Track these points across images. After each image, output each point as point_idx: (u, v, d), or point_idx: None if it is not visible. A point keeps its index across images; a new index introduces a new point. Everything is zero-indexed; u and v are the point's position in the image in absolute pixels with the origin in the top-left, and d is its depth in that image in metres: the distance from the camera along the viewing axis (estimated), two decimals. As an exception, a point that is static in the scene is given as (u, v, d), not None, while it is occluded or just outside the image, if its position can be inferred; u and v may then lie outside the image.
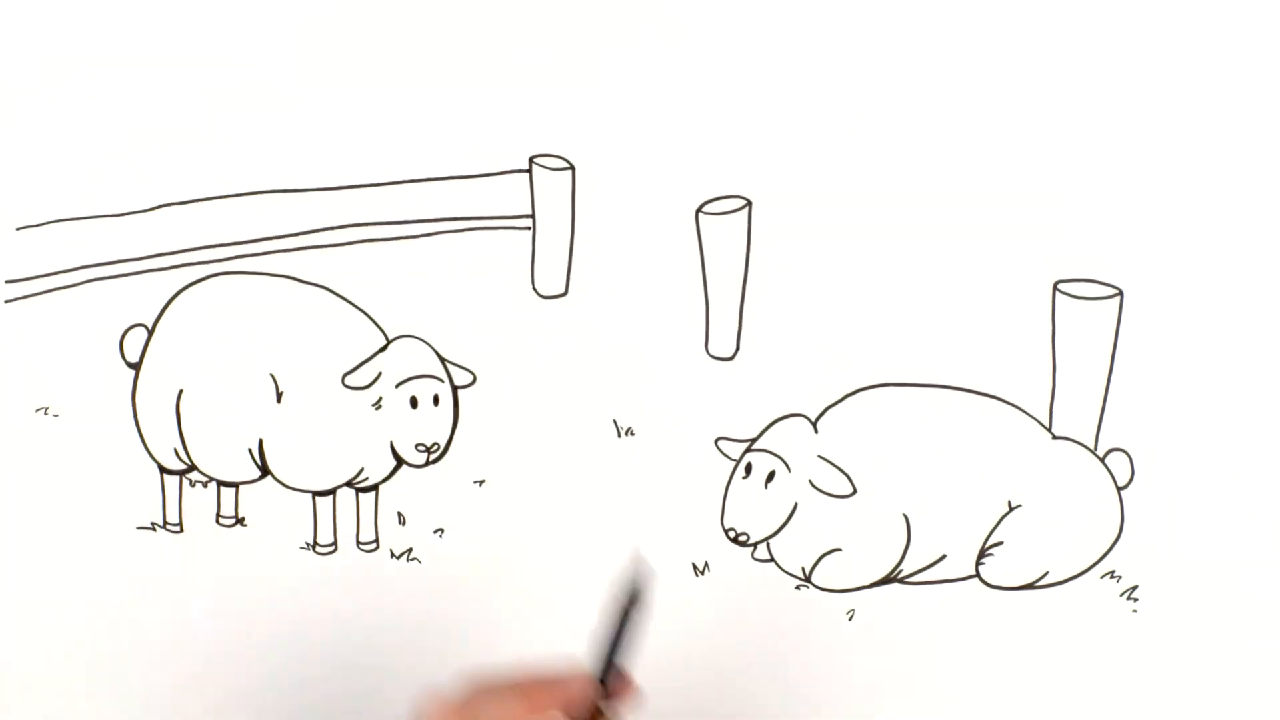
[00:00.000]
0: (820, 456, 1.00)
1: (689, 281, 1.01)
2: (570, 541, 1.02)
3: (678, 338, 1.01)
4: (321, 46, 1.00)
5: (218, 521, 1.03)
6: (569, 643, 1.02)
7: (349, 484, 1.03)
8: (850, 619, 1.01)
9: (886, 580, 1.01)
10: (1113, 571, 1.00)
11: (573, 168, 1.01)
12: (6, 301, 1.02)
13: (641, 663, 1.02)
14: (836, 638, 1.01)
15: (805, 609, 1.01)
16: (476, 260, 1.01)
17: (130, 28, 1.00)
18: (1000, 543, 1.00)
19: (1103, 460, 1.00)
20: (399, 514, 1.03)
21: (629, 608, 0.87)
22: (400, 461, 1.02)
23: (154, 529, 1.03)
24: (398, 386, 1.02)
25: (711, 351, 1.01)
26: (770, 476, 1.01)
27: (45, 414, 1.02)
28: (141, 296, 1.02)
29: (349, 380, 1.01)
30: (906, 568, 1.01)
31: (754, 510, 1.01)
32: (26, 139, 1.01)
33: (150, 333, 1.02)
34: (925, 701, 1.01)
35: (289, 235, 1.02)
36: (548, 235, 1.01)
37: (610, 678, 0.87)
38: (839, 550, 1.01)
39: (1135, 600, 1.00)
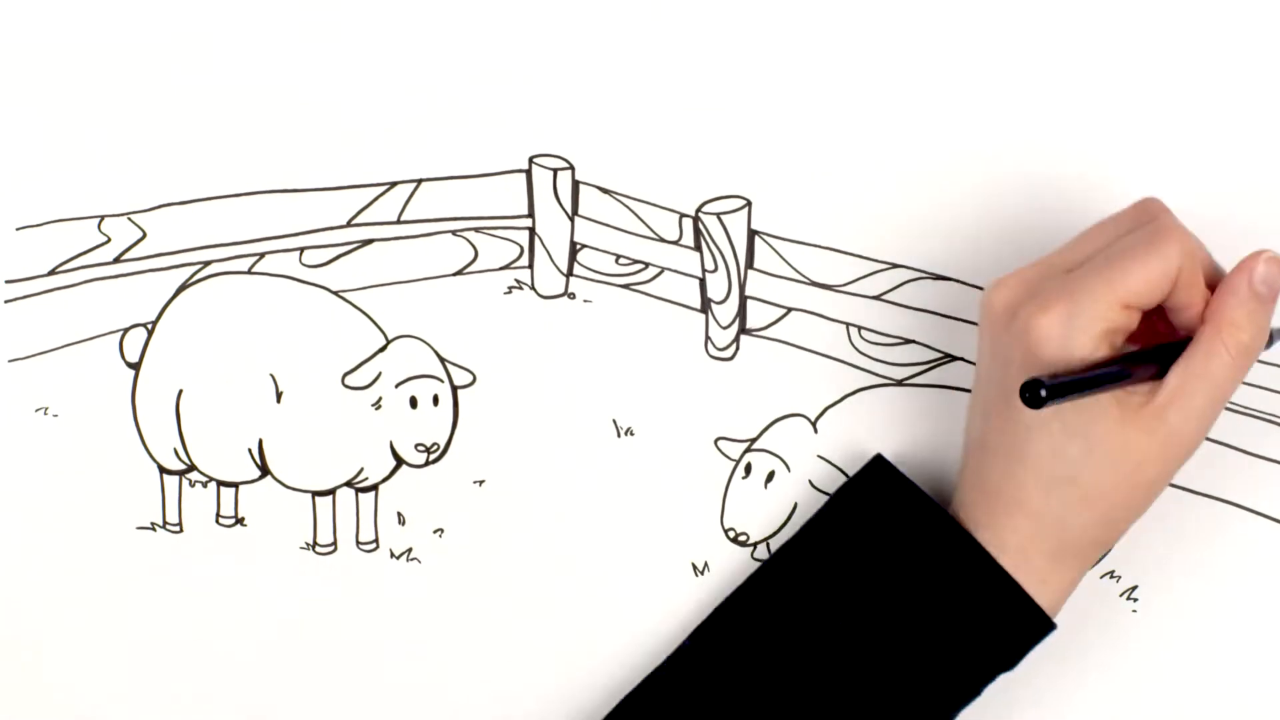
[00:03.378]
0: (820, 456, 1.00)
1: (689, 281, 1.01)
2: (570, 541, 1.02)
3: (678, 338, 1.01)
4: (321, 46, 1.00)
5: (217, 522, 1.03)
6: (570, 644, 1.02)
7: (349, 484, 1.03)
8: (850, 619, 1.01)
9: (886, 580, 1.01)
10: (1112, 571, 1.00)
11: (573, 168, 1.01)
12: (6, 301, 1.02)
13: (641, 664, 1.02)
14: (836, 638, 1.01)
15: (805, 609, 1.01)
16: (476, 260, 1.01)
17: (130, 27, 1.00)
18: (1000, 543, 1.00)
19: (1103, 460, 1.00)
20: (399, 514, 1.03)
21: None
22: (400, 461, 1.02)
23: (154, 529, 1.03)
24: (397, 386, 1.02)
25: (711, 351, 1.01)
26: (770, 476, 1.01)
27: (45, 414, 1.02)
28: (141, 296, 1.02)
29: (349, 380, 1.01)
30: (906, 568, 1.01)
31: (754, 510, 1.01)
32: (26, 139, 1.01)
33: (150, 333, 1.02)
34: (925, 702, 1.01)
35: (289, 235, 1.02)
36: (548, 235, 1.01)
37: None
38: (839, 550, 1.01)
39: (1135, 600, 1.00)
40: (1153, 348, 0.89)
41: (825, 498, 1.00)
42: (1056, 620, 0.91)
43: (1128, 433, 0.87)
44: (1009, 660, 0.92)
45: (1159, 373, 0.88)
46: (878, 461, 0.97)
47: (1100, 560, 0.98)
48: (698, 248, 1.01)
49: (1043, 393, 0.82)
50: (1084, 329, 0.86)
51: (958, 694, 0.92)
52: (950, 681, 0.92)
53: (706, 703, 0.94)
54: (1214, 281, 0.89)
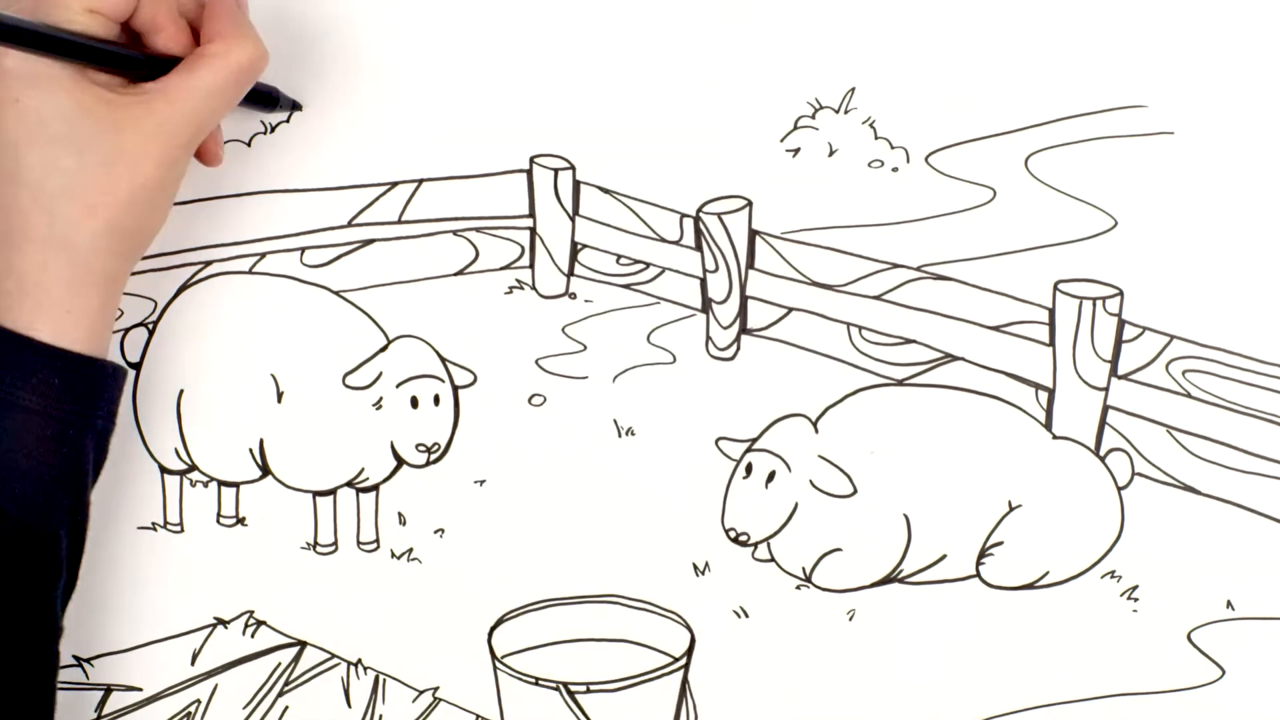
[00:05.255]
0: (820, 456, 1.00)
1: (689, 281, 1.01)
2: (571, 541, 1.02)
3: (678, 338, 1.01)
4: (321, 46, 1.00)
5: (218, 521, 1.03)
6: (570, 643, 1.02)
7: (349, 484, 1.03)
8: (850, 619, 1.01)
9: (887, 580, 1.01)
10: (1113, 571, 1.00)
11: (572, 168, 1.01)
12: (7, 301, 1.02)
13: (642, 663, 1.02)
14: (836, 638, 1.01)
15: (805, 609, 1.01)
16: (477, 260, 1.01)
17: (131, 28, 1.00)
18: (1000, 543, 1.00)
19: (1103, 460, 1.00)
20: (399, 514, 1.03)
21: None
22: (400, 461, 1.02)
23: (154, 529, 1.03)
24: (398, 386, 1.02)
25: (712, 351, 1.01)
26: (770, 476, 1.01)
27: (45, 414, 1.02)
28: (141, 296, 1.02)
29: (349, 380, 1.01)
30: (907, 568, 1.01)
31: (754, 510, 1.01)
32: (27, 139, 1.01)
33: (151, 332, 1.02)
34: (925, 701, 1.01)
35: (290, 235, 1.02)
36: (548, 235, 1.01)
37: None
38: (839, 550, 1.01)
39: (1135, 600, 1.00)
40: (136, 52, 0.90)
41: (826, 498, 1.00)
42: (98, 354, 0.89)
43: (123, 132, 0.87)
44: (82, 415, 0.89)
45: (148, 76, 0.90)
46: None
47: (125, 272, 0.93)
48: (698, 248, 1.01)
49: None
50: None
51: (70, 478, 0.90)
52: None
53: None
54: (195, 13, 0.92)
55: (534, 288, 1.02)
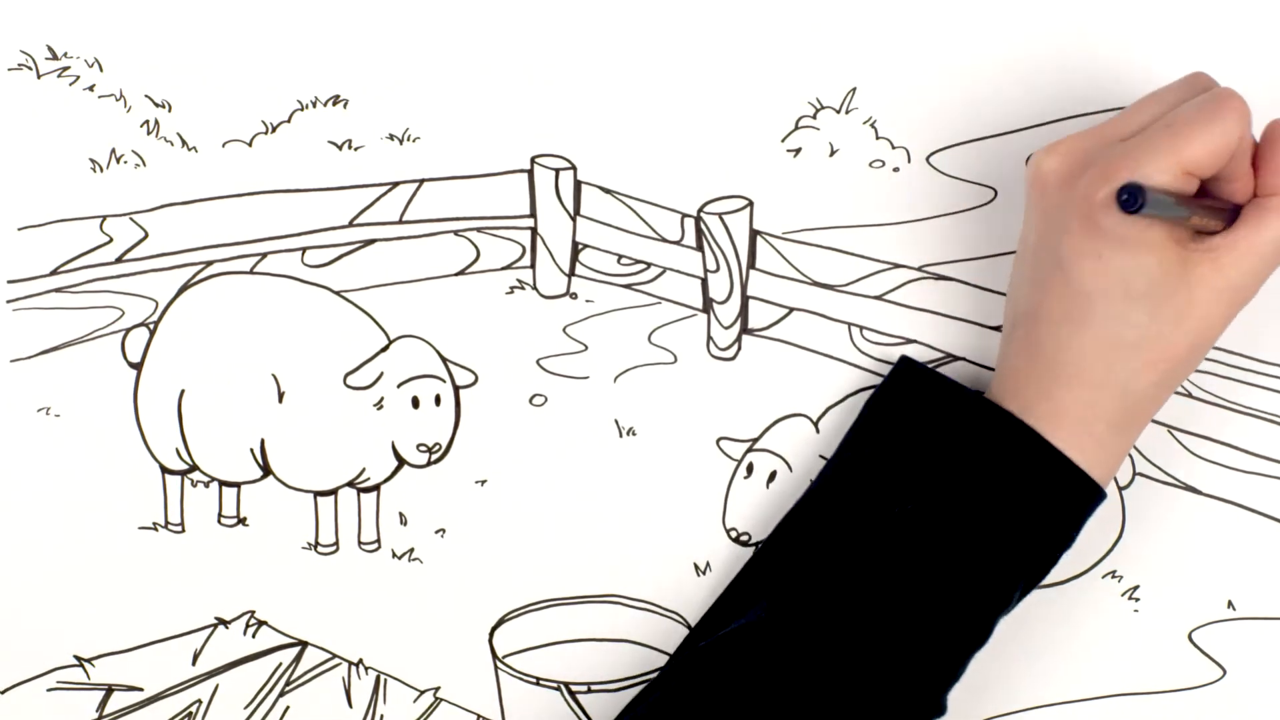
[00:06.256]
0: (822, 456, 1.00)
1: (691, 281, 1.01)
2: (572, 542, 1.02)
3: (679, 338, 1.01)
4: (321, 46, 1.00)
5: (219, 521, 1.03)
6: (572, 644, 1.02)
7: (350, 484, 1.03)
8: (851, 619, 1.01)
9: (888, 580, 1.01)
10: (1113, 571, 1.00)
11: (573, 167, 1.01)
12: (8, 301, 1.02)
13: (644, 663, 1.02)
14: (837, 637, 1.01)
15: (806, 609, 1.01)
16: (478, 260, 1.01)
17: (129, 27, 1.00)
18: (1001, 542, 1.00)
19: (1103, 460, 1.00)
20: (400, 514, 1.03)
21: None
22: (402, 462, 1.02)
23: (155, 529, 1.03)
24: (399, 386, 1.02)
25: (713, 351, 1.01)
26: (772, 476, 1.01)
27: (46, 414, 1.02)
28: (143, 296, 1.02)
29: (350, 380, 1.02)
30: (908, 567, 1.01)
31: (756, 510, 1.01)
32: (26, 139, 1.01)
33: (152, 333, 1.02)
34: (926, 701, 1.01)
35: (291, 235, 1.02)
36: (548, 235, 1.01)
37: None
38: (840, 550, 1.01)
39: (1136, 600, 1.00)
40: (1217, 202, 0.88)
41: (827, 497, 1.00)
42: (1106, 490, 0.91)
43: (1194, 289, 0.86)
44: (1065, 534, 0.91)
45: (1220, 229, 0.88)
46: (904, 363, 0.98)
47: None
48: (699, 248, 1.01)
49: (1141, 199, 0.79)
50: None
51: (1025, 576, 0.91)
52: (1013, 566, 0.90)
53: (783, 609, 0.92)
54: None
55: (535, 288, 1.02)
